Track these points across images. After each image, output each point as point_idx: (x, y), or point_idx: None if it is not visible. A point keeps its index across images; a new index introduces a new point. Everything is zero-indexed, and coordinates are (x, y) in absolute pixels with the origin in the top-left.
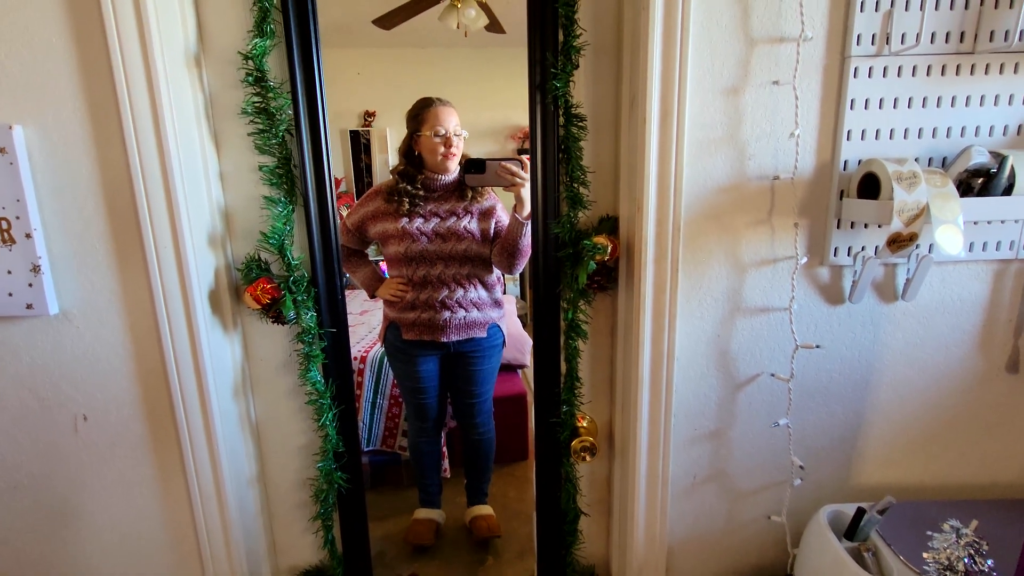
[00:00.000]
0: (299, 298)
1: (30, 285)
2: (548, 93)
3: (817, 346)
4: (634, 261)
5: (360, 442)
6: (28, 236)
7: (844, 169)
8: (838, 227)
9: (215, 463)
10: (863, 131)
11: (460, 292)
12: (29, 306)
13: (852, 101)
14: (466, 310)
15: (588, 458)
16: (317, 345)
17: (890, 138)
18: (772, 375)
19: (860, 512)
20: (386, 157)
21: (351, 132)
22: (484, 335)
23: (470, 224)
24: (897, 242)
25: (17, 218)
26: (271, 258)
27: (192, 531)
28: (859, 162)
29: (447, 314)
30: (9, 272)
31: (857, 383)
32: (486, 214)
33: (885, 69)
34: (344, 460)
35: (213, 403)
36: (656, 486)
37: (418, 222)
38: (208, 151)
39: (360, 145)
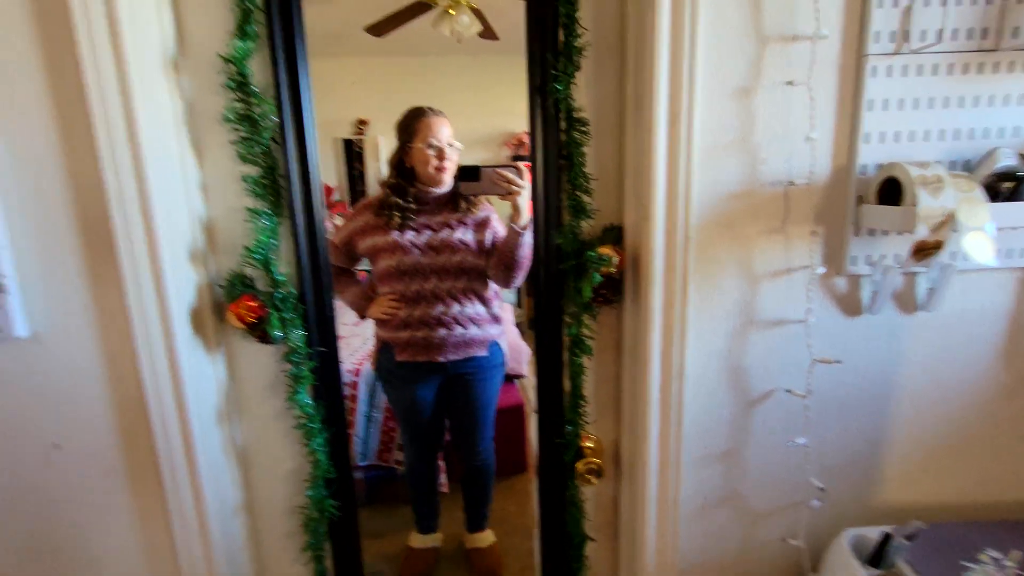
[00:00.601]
0: (286, 316)
1: None
2: (549, 96)
3: (836, 361)
4: (641, 273)
5: (352, 467)
6: None
7: (862, 174)
8: (856, 235)
9: (197, 492)
10: (882, 133)
11: (456, 307)
12: None
13: (870, 102)
14: (463, 327)
15: (594, 480)
16: (306, 365)
17: (910, 140)
18: (787, 391)
19: (886, 537)
20: (379, 166)
21: (344, 140)
22: (484, 353)
23: (464, 235)
24: (923, 250)
25: None
26: (256, 274)
27: (173, 564)
28: (878, 166)
29: (443, 331)
30: None
31: (877, 398)
32: (480, 225)
33: (904, 68)
34: (335, 487)
35: (195, 428)
36: (667, 508)
37: (410, 235)
38: (188, 160)
39: (353, 153)
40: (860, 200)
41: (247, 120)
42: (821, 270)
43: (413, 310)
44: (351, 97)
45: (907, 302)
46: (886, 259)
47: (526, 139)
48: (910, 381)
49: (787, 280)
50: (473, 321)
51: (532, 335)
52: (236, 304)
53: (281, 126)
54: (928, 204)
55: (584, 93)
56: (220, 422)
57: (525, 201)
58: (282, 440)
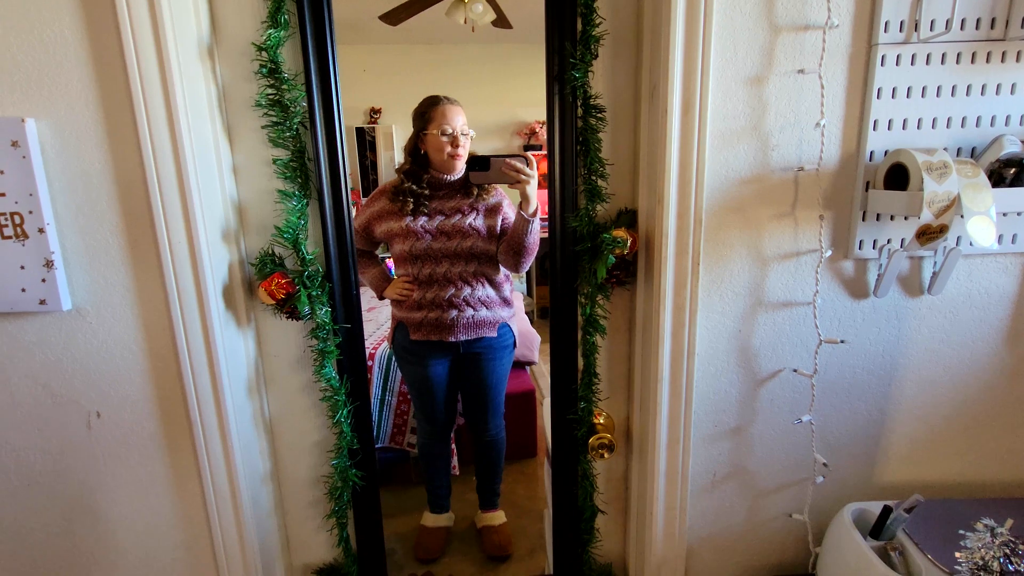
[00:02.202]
0: (314, 293)
1: (43, 281)
2: (566, 84)
3: (842, 341)
4: (654, 255)
5: (373, 439)
6: (41, 231)
7: (870, 160)
8: (863, 220)
9: (229, 460)
10: (890, 121)
11: (467, 290)
12: (42, 302)
13: (879, 90)
14: (474, 308)
15: (606, 455)
16: (332, 341)
17: (918, 128)
18: (795, 371)
19: (886, 510)
20: (392, 155)
21: (357, 129)
22: (494, 335)
23: (476, 221)
24: (927, 234)
25: (30, 212)
26: (285, 253)
27: (206, 529)
28: (885, 153)
29: (454, 313)
30: (22, 267)
31: (881, 379)
32: (492, 211)
33: (913, 57)
34: (359, 457)
35: (227, 400)
36: (675, 484)
37: (422, 220)
38: (221, 144)
39: (366, 142)
40: (868, 186)
41: (278, 105)
42: (829, 253)
43: (426, 292)
44: (364, 86)
45: (912, 285)
46: (891, 243)
47: (538, 128)
48: (914, 362)
49: (795, 263)
50: (483, 303)
51: (542, 324)
52: (268, 281)
53: (310, 111)
54: (933, 189)
55: (600, 81)
56: (250, 394)
57: (533, 190)
58: (308, 413)
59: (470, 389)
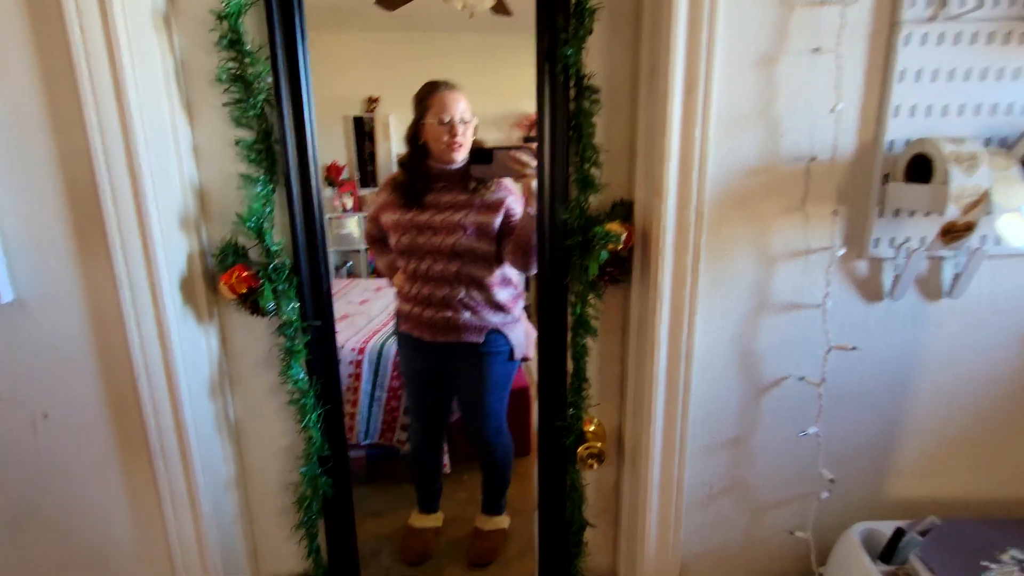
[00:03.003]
0: (280, 287)
1: None
2: (558, 62)
3: (853, 347)
4: (651, 251)
5: (346, 444)
6: None
7: (890, 150)
8: (880, 216)
9: (188, 465)
10: (913, 107)
11: (447, 290)
12: None
13: (902, 72)
14: (454, 311)
15: (596, 465)
16: (300, 339)
17: (943, 115)
18: (801, 379)
19: (899, 532)
20: (389, 146)
21: (355, 118)
22: (479, 340)
23: (466, 218)
24: (952, 232)
25: None
26: (249, 243)
27: (163, 537)
28: (907, 142)
29: (430, 312)
30: None
31: (894, 388)
32: (490, 207)
33: (941, 36)
34: (330, 464)
35: (184, 401)
36: (670, 496)
37: (412, 214)
38: (180, 122)
39: (364, 132)
40: (886, 178)
41: (240, 81)
42: (841, 252)
43: (412, 287)
44: (361, 74)
45: (931, 288)
46: (911, 242)
47: None
48: (930, 371)
49: (804, 262)
50: (466, 307)
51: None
52: (228, 274)
53: (276, 88)
54: (961, 182)
55: (595, 59)
56: (212, 395)
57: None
58: (276, 416)
59: (461, 394)
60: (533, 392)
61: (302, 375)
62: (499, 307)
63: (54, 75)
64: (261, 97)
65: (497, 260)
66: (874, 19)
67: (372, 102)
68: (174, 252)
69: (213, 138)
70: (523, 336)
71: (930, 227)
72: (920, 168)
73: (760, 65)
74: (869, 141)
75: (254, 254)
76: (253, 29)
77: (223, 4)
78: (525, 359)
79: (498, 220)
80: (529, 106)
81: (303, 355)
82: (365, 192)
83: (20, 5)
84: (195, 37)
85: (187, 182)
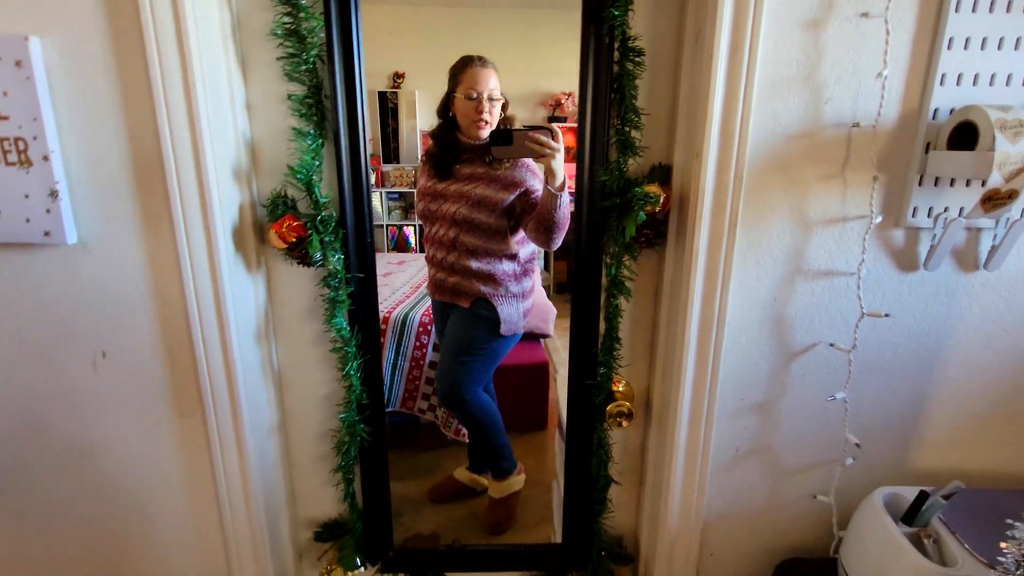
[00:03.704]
0: (326, 239)
1: (48, 211)
2: (604, 23)
3: (886, 315)
4: (687, 214)
5: (383, 394)
6: (45, 159)
7: (933, 118)
8: (920, 184)
9: (235, 408)
10: (959, 75)
11: (443, 254)
12: (47, 233)
13: (950, 40)
14: (447, 273)
15: (625, 423)
16: (344, 290)
17: (990, 84)
18: (831, 345)
19: (922, 495)
20: (414, 123)
21: (379, 93)
22: (465, 305)
23: (474, 190)
24: (993, 200)
25: (34, 138)
26: (298, 195)
27: (211, 476)
28: (951, 111)
29: (432, 271)
30: (26, 196)
31: (924, 358)
32: (505, 185)
33: (992, 3)
34: (367, 412)
35: (235, 346)
36: (695, 457)
37: (431, 183)
38: (235, 76)
39: (388, 109)
40: (927, 148)
41: (294, 35)
42: (878, 220)
43: (427, 251)
44: (388, 49)
45: (967, 259)
46: (949, 211)
47: (563, 100)
48: (962, 343)
49: (841, 229)
50: (456, 271)
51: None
52: (279, 223)
53: (328, 43)
54: (1006, 149)
55: (641, 21)
56: (258, 342)
57: (560, 164)
58: (318, 364)
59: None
60: (552, 369)
61: (344, 325)
62: (490, 278)
63: (120, 21)
64: (314, 52)
65: (502, 234)
66: None
67: (398, 77)
68: (227, 202)
69: (266, 93)
70: (516, 314)
71: (969, 198)
72: (964, 136)
73: (806, 29)
74: (913, 109)
75: (302, 206)
76: None
77: None
78: (545, 335)
79: (510, 198)
80: (554, 85)
81: (346, 305)
82: (388, 168)
83: None
84: None
85: (240, 135)
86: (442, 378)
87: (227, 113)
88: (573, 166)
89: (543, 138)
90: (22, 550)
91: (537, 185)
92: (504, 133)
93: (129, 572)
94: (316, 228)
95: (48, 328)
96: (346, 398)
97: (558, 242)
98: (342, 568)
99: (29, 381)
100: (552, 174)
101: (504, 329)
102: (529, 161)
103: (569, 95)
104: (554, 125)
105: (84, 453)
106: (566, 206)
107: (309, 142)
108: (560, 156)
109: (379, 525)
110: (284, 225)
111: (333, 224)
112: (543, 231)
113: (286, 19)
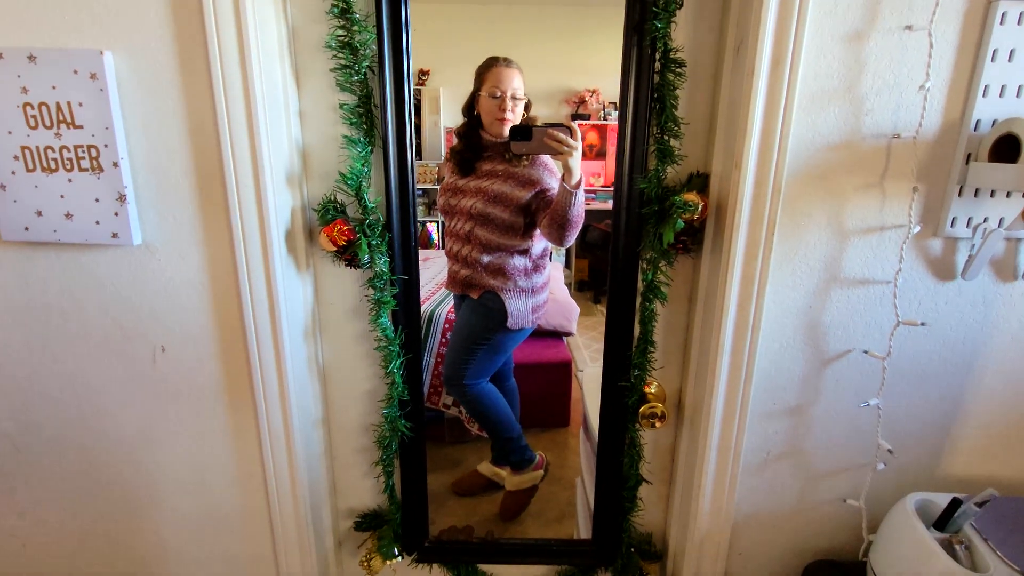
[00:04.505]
0: (373, 242)
1: (116, 214)
2: (646, 35)
3: (922, 323)
4: (725, 223)
5: (423, 392)
6: (115, 165)
7: (975, 130)
8: (959, 195)
9: (284, 402)
10: (1003, 87)
11: (459, 247)
12: (115, 235)
13: (994, 52)
14: (460, 265)
15: (658, 424)
16: (389, 291)
17: None
18: (865, 352)
19: (955, 503)
20: (437, 118)
21: None
22: (475, 296)
23: (492, 186)
24: None
25: (105, 146)
26: (347, 200)
27: (260, 467)
28: (993, 123)
29: (449, 263)
30: (97, 200)
31: (959, 367)
32: (523, 183)
33: None
34: (408, 409)
35: (285, 342)
36: (727, 459)
37: (453, 178)
38: (290, 87)
39: (412, 104)
40: (968, 158)
41: (347, 47)
42: (917, 230)
43: (447, 244)
44: (413, 46)
45: (1006, 270)
46: (988, 222)
47: (587, 97)
48: (999, 352)
49: (878, 238)
50: (468, 263)
51: (579, 296)
52: (330, 227)
53: (379, 54)
54: None
55: (682, 33)
56: (306, 340)
57: (577, 162)
58: (361, 361)
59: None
60: (574, 367)
61: (389, 324)
62: (500, 272)
63: (186, 36)
64: (365, 63)
65: (516, 230)
66: None
67: (423, 75)
68: (281, 207)
69: (318, 102)
70: (524, 309)
71: (1009, 208)
72: (1006, 149)
73: (849, 41)
74: (955, 120)
75: (351, 211)
76: None
77: None
78: (568, 333)
79: (528, 195)
80: (578, 83)
81: (391, 306)
82: None
83: None
84: (307, 6)
85: (294, 142)
86: (448, 363)
87: (282, 121)
88: (593, 163)
89: (561, 135)
90: (80, 532)
91: (554, 184)
92: (524, 128)
93: (181, 555)
94: (364, 232)
95: (112, 323)
96: (388, 394)
97: (571, 239)
98: (381, 556)
99: (94, 371)
100: (569, 171)
101: (511, 323)
102: (548, 160)
103: (593, 92)
104: (573, 123)
105: (143, 441)
106: (581, 204)
107: (359, 149)
108: (578, 154)
109: (416, 517)
110: (335, 229)
111: (380, 228)
112: (556, 227)
113: (340, 32)
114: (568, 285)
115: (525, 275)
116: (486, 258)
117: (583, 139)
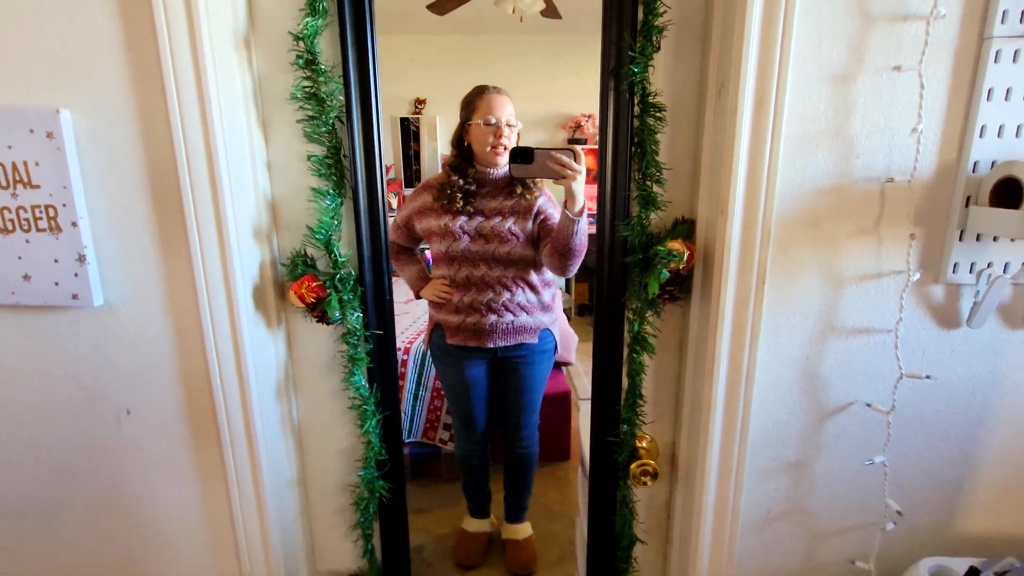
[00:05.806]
0: (345, 297)
1: (76, 275)
2: (623, 80)
3: (927, 376)
4: (713, 270)
5: (402, 449)
6: (74, 224)
7: (973, 172)
8: (960, 239)
9: (255, 464)
10: (1000, 127)
11: (507, 295)
12: (75, 296)
13: (990, 91)
14: (514, 314)
15: (649, 483)
16: (362, 347)
17: None
18: (868, 405)
19: (972, 572)
20: (435, 145)
21: (401, 119)
22: (534, 340)
23: (515, 226)
24: None
25: (64, 205)
26: (317, 254)
27: (231, 530)
28: (992, 164)
29: (493, 318)
30: (56, 261)
31: (969, 420)
32: (523, 213)
33: None
34: (386, 469)
35: (254, 403)
36: (725, 517)
37: (461, 220)
38: (256, 138)
39: (409, 132)
40: (967, 201)
41: (314, 98)
42: (916, 276)
43: (464, 295)
44: (410, 76)
45: (1014, 316)
46: (992, 267)
47: (583, 122)
48: (1009, 403)
49: (876, 285)
50: (524, 309)
51: (579, 321)
52: (298, 284)
53: (347, 105)
54: None
55: (661, 77)
56: (279, 398)
57: (580, 186)
58: (337, 419)
59: (505, 395)
60: (575, 397)
61: (363, 382)
62: (546, 307)
63: (144, 90)
64: (333, 114)
65: (530, 262)
66: (961, 35)
67: (419, 104)
68: (248, 261)
69: (286, 153)
70: (559, 333)
71: (1015, 252)
72: (1007, 192)
73: (835, 83)
74: (951, 162)
75: (321, 264)
76: (327, 49)
77: (300, 25)
78: (567, 364)
79: (536, 223)
80: (574, 108)
81: (365, 362)
82: (409, 192)
83: (116, 21)
84: (273, 57)
85: (261, 194)
86: (520, 423)
87: (248, 173)
88: (591, 187)
89: (564, 158)
90: None
91: (550, 208)
92: (525, 151)
93: None
94: (335, 287)
95: (74, 386)
96: (365, 455)
97: (574, 269)
98: None
99: (57, 435)
100: (572, 196)
101: (559, 348)
102: (546, 189)
103: (589, 116)
104: (575, 146)
105: (109, 506)
106: (584, 232)
107: (328, 202)
108: (581, 178)
109: None
110: (303, 286)
111: (352, 282)
112: (558, 256)
113: (306, 83)
114: (568, 310)
115: (554, 301)
116: (535, 298)
117: (583, 163)
